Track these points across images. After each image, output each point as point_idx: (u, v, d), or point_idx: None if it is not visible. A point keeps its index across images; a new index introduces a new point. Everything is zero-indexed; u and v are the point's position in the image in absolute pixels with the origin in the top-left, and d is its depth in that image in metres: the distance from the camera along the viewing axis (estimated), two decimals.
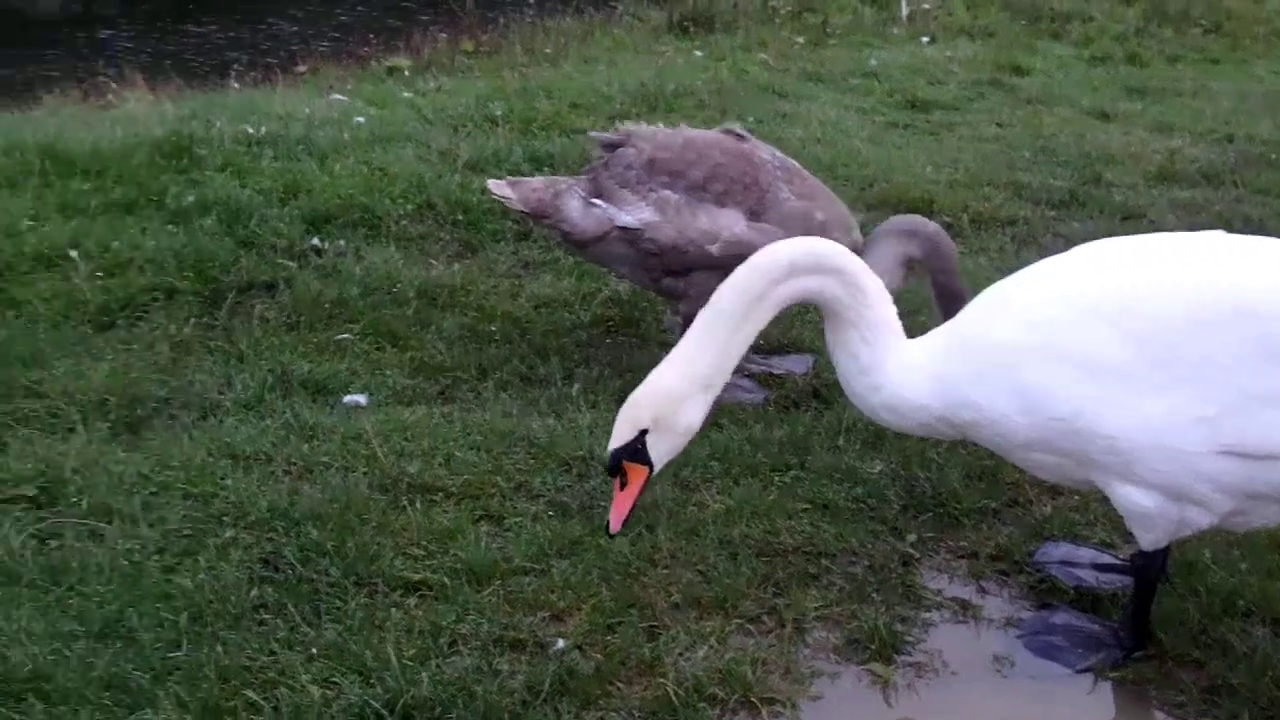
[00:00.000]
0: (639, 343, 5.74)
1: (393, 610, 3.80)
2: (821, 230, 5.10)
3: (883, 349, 3.67)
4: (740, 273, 3.58)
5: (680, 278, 5.22)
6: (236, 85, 9.64)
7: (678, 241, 5.16)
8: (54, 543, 4.05)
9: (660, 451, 3.56)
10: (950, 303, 4.86)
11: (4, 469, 4.38)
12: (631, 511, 3.59)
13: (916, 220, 5.20)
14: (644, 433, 3.53)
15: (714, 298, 3.58)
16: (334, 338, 5.51)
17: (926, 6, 13.79)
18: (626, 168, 5.26)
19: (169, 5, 22.11)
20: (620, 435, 3.53)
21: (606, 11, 13.32)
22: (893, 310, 3.70)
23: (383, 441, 4.62)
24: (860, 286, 3.62)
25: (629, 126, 5.47)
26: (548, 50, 10.96)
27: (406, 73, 10.21)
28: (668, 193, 5.19)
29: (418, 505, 4.30)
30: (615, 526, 3.56)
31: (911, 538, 4.33)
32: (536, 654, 3.68)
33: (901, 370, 3.68)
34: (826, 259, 3.60)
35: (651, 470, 3.56)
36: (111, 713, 3.37)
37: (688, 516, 4.32)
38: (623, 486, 3.56)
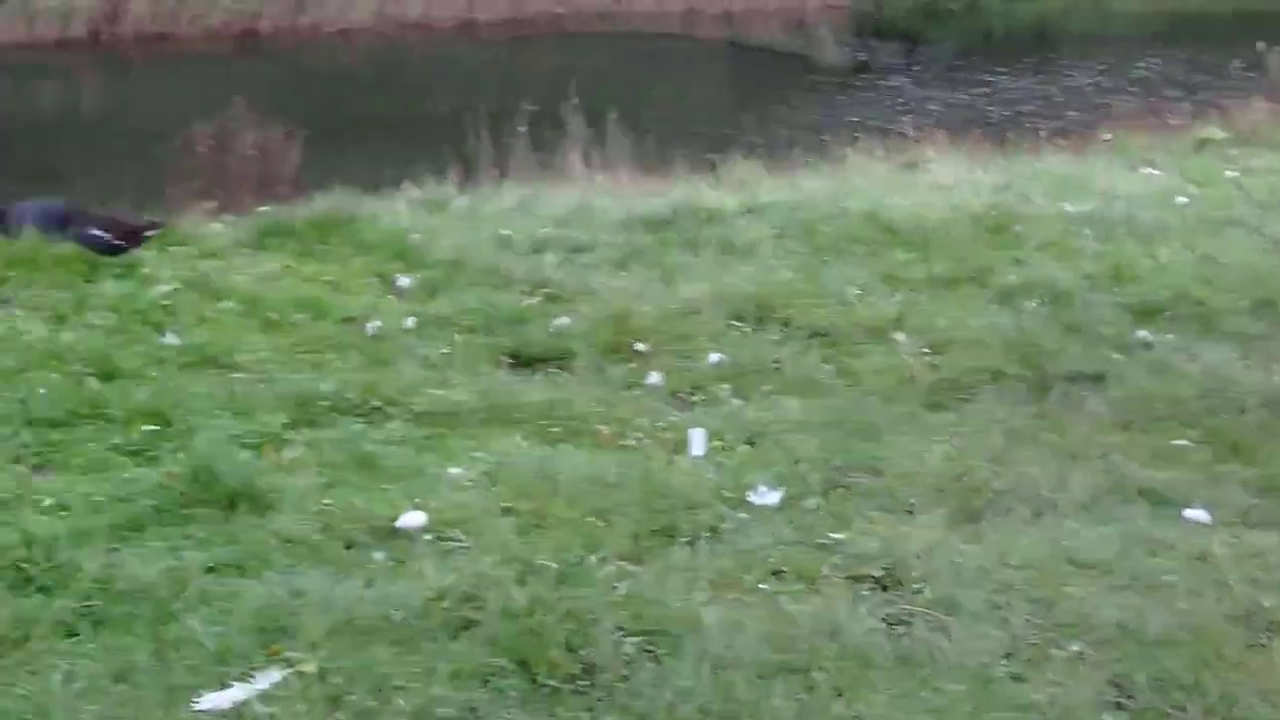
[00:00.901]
0: None
1: None
2: None
3: None
4: None
5: None
6: (1051, 157, 9.64)
7: None
8: (899, 629, 4.15)
9: None
10: None
11: (852, 545, 4.56)
12: None
13: None
14: None
15: None
16: (1169, 442, 5.31)
17: None
18: None
19: (947, 53, 22.68)
20: None
21: None
22: None
23: (1233, 567, 4.37)
24: None
25: None
26: None
27: (1234, 151, 9.73)
28: None
29: (1275, 645, 4.02)
30: None
31: None
32: None
33: None
34: None
35: None
36: None
37: None
38: None
